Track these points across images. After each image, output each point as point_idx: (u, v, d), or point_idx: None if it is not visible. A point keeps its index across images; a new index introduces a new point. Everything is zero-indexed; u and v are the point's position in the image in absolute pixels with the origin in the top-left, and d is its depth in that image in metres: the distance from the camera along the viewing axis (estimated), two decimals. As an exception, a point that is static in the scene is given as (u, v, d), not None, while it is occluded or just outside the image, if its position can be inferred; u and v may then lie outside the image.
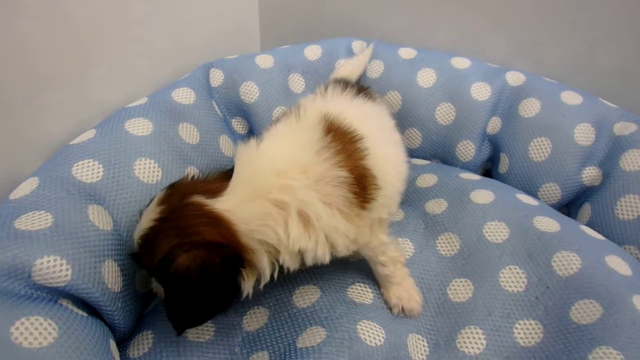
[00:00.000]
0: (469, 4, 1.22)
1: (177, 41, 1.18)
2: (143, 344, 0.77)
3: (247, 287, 0.68)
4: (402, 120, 1.17)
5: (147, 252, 0.67)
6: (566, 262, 0.78)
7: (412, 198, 1.02)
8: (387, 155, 0.78)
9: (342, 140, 0.71)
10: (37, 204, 0.74)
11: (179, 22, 1.18)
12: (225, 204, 0.66)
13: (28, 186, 0.78)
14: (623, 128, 0.99)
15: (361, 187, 0.70)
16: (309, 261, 0.70)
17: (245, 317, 0.81)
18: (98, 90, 1.00)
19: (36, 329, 0.61)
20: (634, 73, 1.10)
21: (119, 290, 0.76)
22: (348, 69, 1.15)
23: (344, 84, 0.93)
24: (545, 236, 0.83)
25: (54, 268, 0.67)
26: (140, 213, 0.71)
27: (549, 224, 0.86)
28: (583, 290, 0.74)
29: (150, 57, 1.12)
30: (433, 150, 1.18)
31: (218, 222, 0.65)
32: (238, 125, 1.17)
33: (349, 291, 0.81)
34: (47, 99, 0.89)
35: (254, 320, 0.80)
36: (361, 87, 0.95)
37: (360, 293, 0.81)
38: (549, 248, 0.81)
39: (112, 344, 0.72)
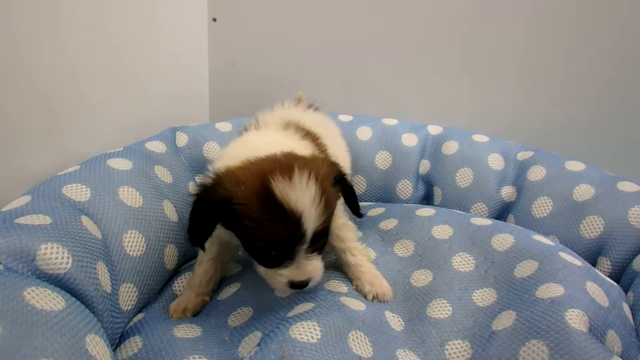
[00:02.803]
0: (391, 84, 1.54)
1: (138, 117, 1.36)
2: (132, 346, 0.78)
3: None
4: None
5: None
6: (503, 240, 0.94)
7: (367, 223, 1.16)
8: (337, 151, 0.99)
9: (309, 136, 0.88)
10: (33, 210, 0.79)
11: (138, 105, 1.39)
12: None
13: (21, 201, 0.82)
14: (524, 155, 1.24)
15: None
16: None
17: (229, 317, 0.85)
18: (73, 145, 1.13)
19: (47, 296, 0.64)
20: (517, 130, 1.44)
21: (110, 292, 0.79)
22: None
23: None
24: (482, 228, 1.00)
25: (56, 254, 0.71)
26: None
27: (483, 221, 1.03)
28: (520, 255, 0.89)
29: (114, 129, 1.28)
30: (377, 193, 1.35)
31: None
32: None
33: (325, 285, 0.89)
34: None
35: (239, 318, 0.84)
36: (310, 105, 1.16)
37: (336, 285, 0.89)
38: (487, 234, 0.97)
39: (95, 340, 0.66)
